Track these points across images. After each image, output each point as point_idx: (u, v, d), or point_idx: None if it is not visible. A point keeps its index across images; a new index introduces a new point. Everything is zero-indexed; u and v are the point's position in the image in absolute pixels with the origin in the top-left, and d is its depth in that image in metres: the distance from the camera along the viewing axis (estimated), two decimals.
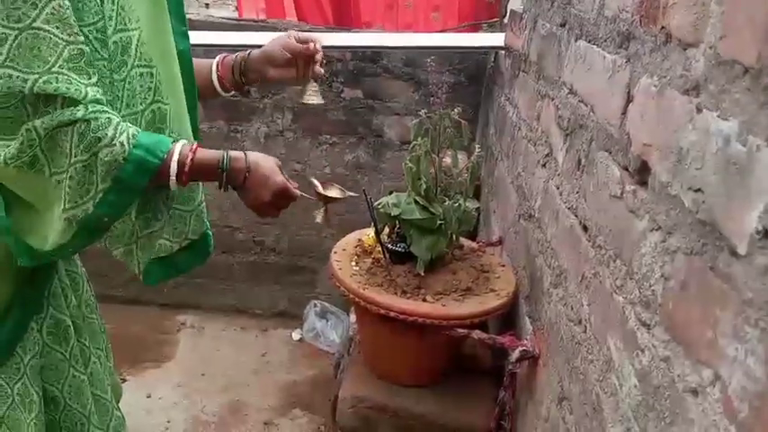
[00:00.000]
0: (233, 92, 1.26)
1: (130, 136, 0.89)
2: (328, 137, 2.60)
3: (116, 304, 2.76)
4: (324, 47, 1.22)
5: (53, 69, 0.83)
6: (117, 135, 0.88)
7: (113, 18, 0.90)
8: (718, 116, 0.59)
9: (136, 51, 0.93)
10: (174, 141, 0.97)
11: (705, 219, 0.60)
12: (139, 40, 0.94)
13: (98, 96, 0.87)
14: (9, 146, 0.85)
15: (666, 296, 0.68)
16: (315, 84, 1.26)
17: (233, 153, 1.02)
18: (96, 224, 0.93)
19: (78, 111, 0.85)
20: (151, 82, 0.96)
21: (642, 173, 0.78)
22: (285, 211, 1.14)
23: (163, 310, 2.84)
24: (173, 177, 0.95)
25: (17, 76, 0.82)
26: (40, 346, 1.10)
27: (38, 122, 0.84)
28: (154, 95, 0.97)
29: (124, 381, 2.37)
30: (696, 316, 0.60)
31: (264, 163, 1.05)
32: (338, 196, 1.23)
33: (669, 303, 0.67)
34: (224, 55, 1.25)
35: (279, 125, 2.58)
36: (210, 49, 2.27)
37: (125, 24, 0.91)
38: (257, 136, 2.61)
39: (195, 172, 0.98)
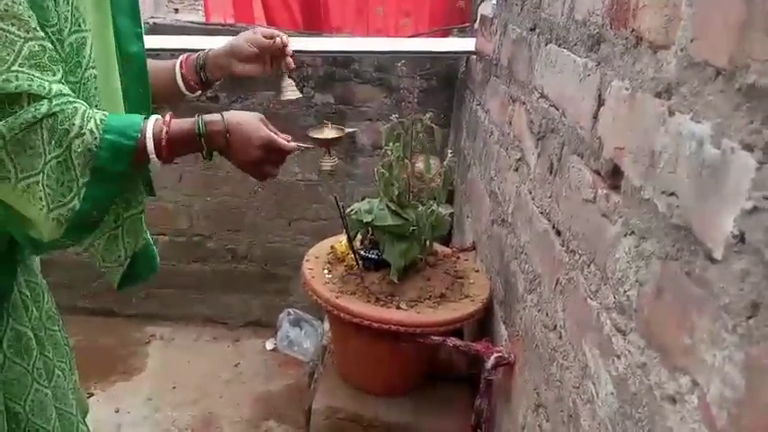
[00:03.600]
0: (199, 92, 1.22)
1: (98, 121, 0.85)
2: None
3: (83, 316, 2.69)
4: (295, 51, 1.20)
5: (12, 68, 0.78)
6: (85, 123, 0.83)
7: (68, 19, 0.86)
8: (691, 119, 0.58)
9: (90, 52, 0.90)
10: (146, 118, 0.92)
11: (679, 223, 0.59)
12: (91, 41, 0.90)
13: (63, 92, 0.83)
14: None
15: (642, 302, 0.67)
16: (290, 80, 1.22)
17: (208, 116, 0.96)
18: (86, 220, 0.89)
19: (42, 106, 0.80)
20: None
21: (614, 177, 0.77)
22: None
23: (132, 322, 2.78)
24: (152, 156, 0.90)
25: None
26: (1, 359, 1.06)
27: (2, 123, 0.79)
28: (97, 100, 0.93)
29: (91, 395, 2.30)
30: (672, 322, 0.59)
31: (245, 119, 0.99)
32: (337, 135, 1.17)
33: (645, 309, 0.66)
34: (187, 54, 1.21)
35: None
36: (177, 54, 2.23)
37: (79, 26, 0.88)
38: None
39: (174, 145, 0.92)
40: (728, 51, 0.52)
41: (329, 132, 1.18)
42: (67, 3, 0.86)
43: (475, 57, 2.08)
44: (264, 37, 1.18)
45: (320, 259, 1.52)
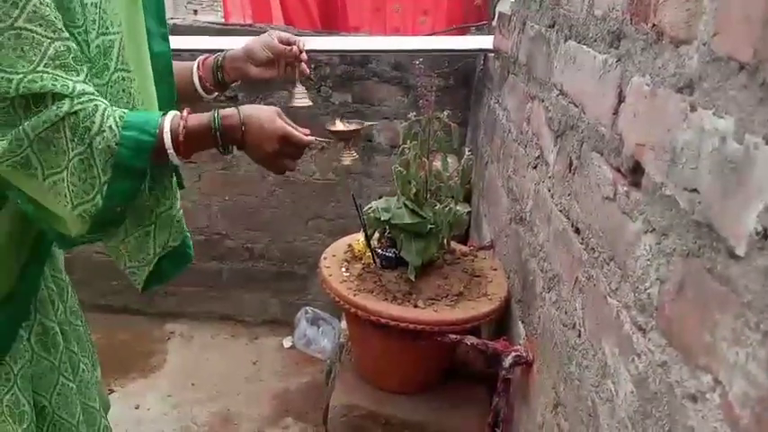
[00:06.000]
0: (215, 94, 1.23)
1: (117, 118, 0.86)
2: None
3: (104, 314, 2.73)
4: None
5: (38, 69, 0.80)
6: (104, 120, 0.85)
7: (96, 21, 0.87)
8: (714, 114, 0.58)
9: (118, 55, 0.91)
10: (164, 114, 0.93)
11: (701, 220, 0.58)
12: (121, 44, 0.92)
13: (86, 91, 0.84)
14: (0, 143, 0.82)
15: (663, 299, 0.66)
16: (302, 87, 1.24)
17: (224, 111, 0.97)
18: (109, 216, 0.90)
19: (64, 105, 0.82)
20: (130, 87, 0.94)
21: (635, 173, 0.77)
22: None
23: (151, 319, 2.81)
24: (170, 151, 0.91)
25: (1, 77, 0.79)
26: (29, 354, 1.08)
27: (26, 123, 0.81)
28: (133, 100, 0.95)
29: (112, 392, 2.33)
30: (694, 319, 0.59)
31: (261, 113, 0.99)
32: (356, 128, 1.17)
33: (665, 307, 0.65)
34: (205, 56, 1.23)
35: None
36: (197, 54, 2.25)
37: (107, 28, 0.89)
38: None
39: (191, 140, 0.92)
40: (752, 45, 0.51)
41: (348, 126, 1.19)
42: (95, 6, 0.87)
43: (493, 54, 2.07)
44: (281, 42, 1.20)
45: (337, 257, 1.52)
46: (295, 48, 1.20)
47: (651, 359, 0.67)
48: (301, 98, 1.24)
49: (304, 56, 1.21)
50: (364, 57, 2.45)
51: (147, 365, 2.54)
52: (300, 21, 2.91)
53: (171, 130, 0.91)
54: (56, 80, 0.81)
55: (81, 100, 0.83)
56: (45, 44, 0.80)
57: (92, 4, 0.86)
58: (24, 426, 1.04)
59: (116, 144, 0.85)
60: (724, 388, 0.52)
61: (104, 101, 0.88)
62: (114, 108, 0.88)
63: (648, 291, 0.69)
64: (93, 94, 0.86)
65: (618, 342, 0.77)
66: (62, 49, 0.82)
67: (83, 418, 1.18)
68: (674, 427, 0.60)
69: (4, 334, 1.01)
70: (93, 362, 1.30)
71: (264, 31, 1.25)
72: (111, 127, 0.85)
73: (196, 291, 2.80)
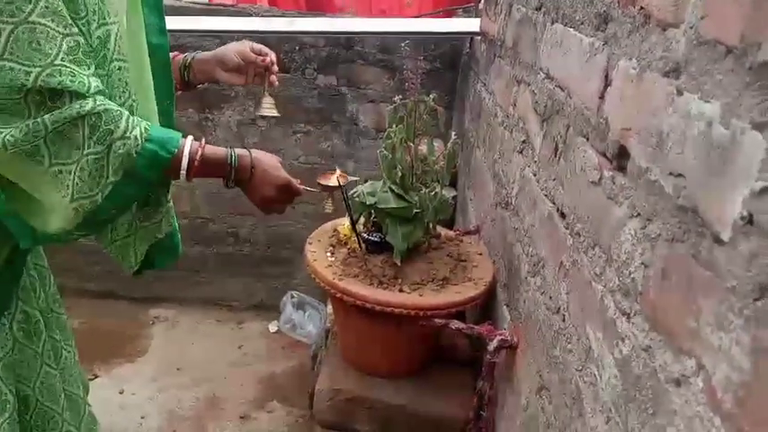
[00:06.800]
0: (180, 92, 1.26)
1: (143, 130, 0.90)
2: (302, 125, 2.56)
3: (88, 298, 2.71)
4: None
5: (55, 62, 0.81)
6: (130, 128, 0.89)
7: (96, 12, 0.88)
8: (700, 98, 0.57)
9: (114, 45, 0.92)
10: (184, 136, 0.99)
11: (686, 204, 0.58)
12: (118, 33, 0.92)
13: (100, 87, 0.87)
14: (9, 132, 0.82)
15: (647, 284, 0.66)
16: (270, 98, 1.30)
17: (239, 150, 1.06)
18: (103, 215, 0.93)
19: (87, 104, 0.84)
20: (126, 77, 0.95)
21: (620, 158, 0.76)
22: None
23: (136, 304, 2.79)
24: (183, 171, 0.98)
25: (19, 69, 0.79)
26: (11, 342, 1.06)
27: (46, 117, 0.83)
28: (129, 91, 0.96)
29: (96, 377, 2.32)
30: (678, 304, 0.59)
31: (267, 159, 1.09)
32: (341, 183, 1.29)
33: (650, 291, 0.65)
34: (174, 54, 1.25)
35: (251, 113, 2.53)
36: (180, 35, 2.21)
37: (105, 18, 0.90)
38: (229, 124, 2.56)
39: (203, 167, 1.00)
40: (739, 29, 0.51)
41: (334, 180, 1.32)
42: None
43: (479, 37, 2.06)
44: (254, 52, 1.27)
45: (323, 242, 1.51)
46: (267, 59, 1.27)
47: (635, 343, 0.67)
48: (269, 108, 1.30)
49: (275, 68, 1.28)
50: (350, 39, 2.42)
51: (131, 350, 2.52)
52: (285, 1, 2.87)
53: (190, 153, 0.98)
54: (73, 76, 0.83)
55: (103, 101, 0.87)
56: (59, 39, 0.82)
57: None
58: (6, 415, 1.03)
59: (136, 153, 0.90)
60: (707, 372, 0.52)
61: (121, 107, 0.91)
62: (138, 118, 0.92)
63: (633, 275, 0.69)
64: (104, 91, 0.89)
65: (602, 326, 0.77)
66: (73, 44, 0.83)
67: (67, 406, 1.18)
68: (658, 410, 0.61)
69: None
70: (73, 345, 1.29)
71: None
72: (135, 136, 0.89)
73: (181, 275, 2.78)
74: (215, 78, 1.26)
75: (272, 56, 1.28)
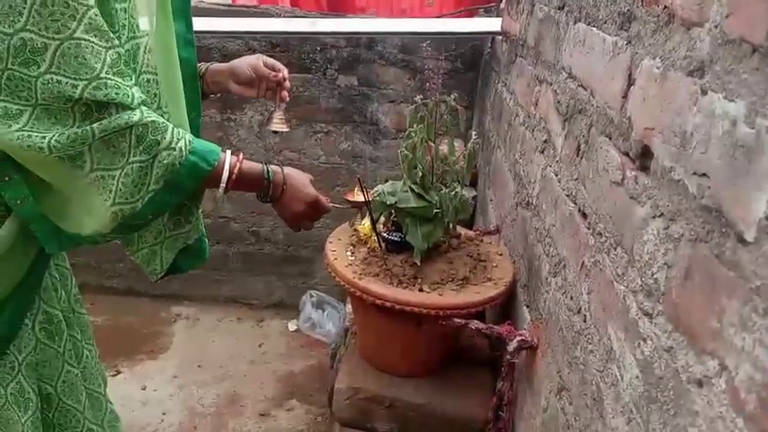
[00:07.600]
0: None
1: (187, 142, 0.94)
2: (323, 125, 2.57)
3: (110, 296, 2.75)
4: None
5: (101, 76, 0.84)
6: (175, 139, 0.92)
7: (125, 26, 0.91)
8: (725, 98, 0.57)
9: (143, 58, 0.95)
10: (223, 150, 1.02)
11: (710, 204, 0.58)
12: (146, 47, 0.95)
13: (143, 98, 0.90)
14: (54, 137, 0.84)
15: (669, 285, 0.66)
16: (281, 112, 1.32)
17: (272, 166, 1.09)
18: (140, 220, 0.95)
19: (135, 115, 0.87)
20: (157, 89, 0.97)
21: (644, 158, 0.76)
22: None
23: (158, 302, 2.83)
24: (223, 184, 1.01)
25: (66, 82, 0.82)
26: (34, 342, 1.08)
27: (95, 125, 0.85)
28: (158, 102, 0.98)
29: (119, 373, 2.35)
30: (701, 305, 0.58)
31: (298, 176, 1.12)
32: (367, 199, 1.33)
33: (672, 292, 0.65)
34: None
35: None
36: (203, 35, 2.24)
37: (134, 32, 0.93)
38: (251, 124, 2.58)
39: (241, 181, 1.03)
40: (765, 27, 0.51)
41: (361, 196, 1.35)
42: (124, 11, 0.90)
43: (500, 37, 2.05)
44: (267, 67, 1.29)
45: (343, 241, 1.52)
46: (280, 74, 1.29)
47: (657, 344, 0.67)
48: (279, 124, 1.32)
49: (287, 84, 1.31)
50: (371, 39, 2.43)
51: (153, 347, 2.56)
52: (306, 3, 2.89)
53: (229, 167, 1.01)
54: (118, 88, 0.86)
55: (149, 113, 0.89)
56: (103, 53, 0.84)
57: (122, 9, 0.90)
58: (29, 413, 1.05)
59: (179, 164, 0.92)
60: (730, 373, 0.52)
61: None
62: (182, 130, 0.95)
63: (655, 276, 0.69)
64: (147, 101, 0.92)
65: (624, 327, 0.77)
66: (115, 56, 0.86)
67: (88, 404, 1.20)
68: (679, 411, 0.60)
69: (9, 324, 1.02)
70: (93, 343, 1.31)
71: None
72: (180, 148, 0.92)
73: (202, 274, 2.81)
74: (228, 90, 1.29)
75: (285, 72, 1.31)
